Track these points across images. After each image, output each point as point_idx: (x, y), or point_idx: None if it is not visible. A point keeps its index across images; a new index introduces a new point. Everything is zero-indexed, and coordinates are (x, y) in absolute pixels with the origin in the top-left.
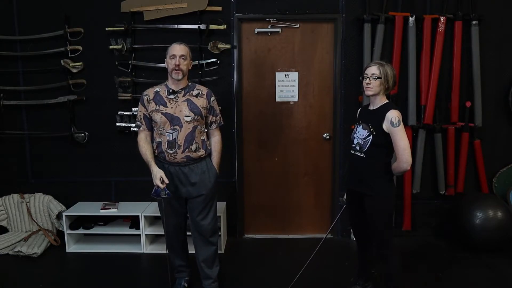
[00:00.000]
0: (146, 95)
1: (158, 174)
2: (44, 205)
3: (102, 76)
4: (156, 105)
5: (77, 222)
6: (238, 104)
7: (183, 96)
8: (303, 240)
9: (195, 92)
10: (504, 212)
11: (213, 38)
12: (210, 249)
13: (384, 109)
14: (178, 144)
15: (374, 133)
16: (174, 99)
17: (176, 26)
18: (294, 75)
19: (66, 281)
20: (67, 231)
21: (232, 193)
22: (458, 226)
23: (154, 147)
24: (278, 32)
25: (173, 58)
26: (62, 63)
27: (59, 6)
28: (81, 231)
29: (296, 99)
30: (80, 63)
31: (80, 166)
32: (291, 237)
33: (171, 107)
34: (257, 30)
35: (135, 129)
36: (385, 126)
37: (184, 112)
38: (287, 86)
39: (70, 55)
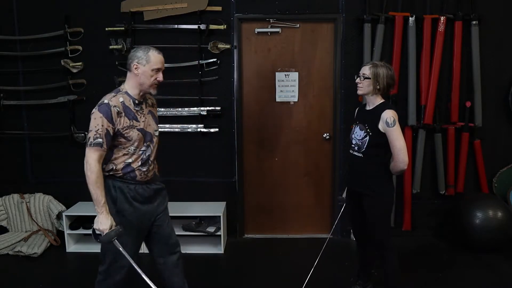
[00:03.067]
0: (114, 106)
1: (110, 222)
2: (44, 205)
3: (102, 76)
4: (129, 120)
5: (77, 222)
6: (238, 104)
7: (146, 107)
8: (303, 240)
9: (149, 102)
10: (504, 212)
11: (213, 38)
12: (181, 266)
13: (379, 109)
14: (150, 161)
15: (370, 133)
16: (140, 112)
17: (176, 26)
18: (294, 75)
19: (66, 281)
20: (67, 231)
21: (232, 193)
22: (458, 226)
23: (117, 168)
24: (278, 32)
25: (157, 71)
26: (62, 63)
27: (59, 6)
28: (81, 231)
29: (296, 99)
30: (80, 63)
31: (80, 166)
32: (291, 237)
33: (142, 121)
34: (257, 30)
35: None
36: (381, 126)
37: (153, 126)
38: (287, 86)
39: (70, 55)
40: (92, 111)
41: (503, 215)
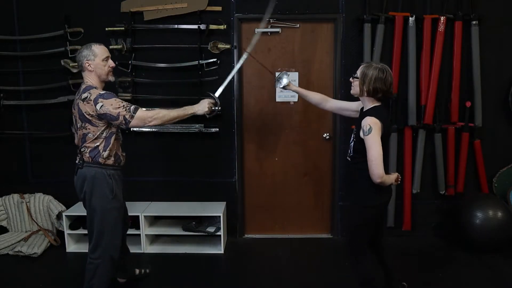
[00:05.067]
0: None
1: (205, 102)
2: (44, 205)
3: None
4: None
5: (77, 222)
6: (238, 104)
7: None
8: (303, 240)
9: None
10: (504, 212)
11: (213, 38)
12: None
13: (365, 115)
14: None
15: (354, 139)
16: None
17: (176, 26)
18: (294, 75)
19: (66, 281)
20: (67, 231)
21: (232, 193)
22: (458, 226)
23: (109, 155)
24: (278, 32)
25: (107, 59)
26: (62, 63)
27: (59, 6)
28: (81, 231)
29: (296, 99)
30: None
31: None
32: (291, 237)
33: None
34: (257, 30)
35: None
36: (361, 133)
37: None
38: None
39: (70, 55)
40: (99, 101)
41: (503, 215)
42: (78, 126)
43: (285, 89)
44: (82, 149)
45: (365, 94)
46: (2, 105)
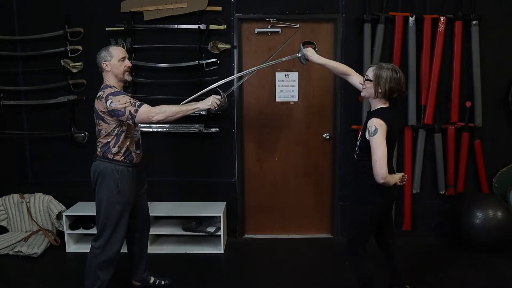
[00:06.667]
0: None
1: (209, 98)
2: (44, 205)
3: (102, 76)
4: None
5: (77, 222)
6: (238, 104)
7: None
8: (303, 240)
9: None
10: (504, 212)
11: (213, 38)
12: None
13: (371, 115)
14: (140, 144)
15: (361, 138)
16: None
17: (176, 26)
18: (294, 75)
19: (66, 281)
20: (67, 231)
21: (232, 193)
22: (458, 226)
23: (118, 151)
24: (278, 32)
25: (123, 60)
26: (62, 63)
27: (59, 6)
28: (81, 231)
29: (296, 99)
30: (80, 63)
31: (80, 166)
32: (291, 237)
33: None
34: (257, 30)
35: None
36: (366, 133)
37: None
38: (287, 86)
39: (70, 55)
40: (109, 98)
41: (503, 215)
42: (95, 123)
43: (309, 60)
44: (96, 144)
45: (380, 96)
46: (2, 105)
